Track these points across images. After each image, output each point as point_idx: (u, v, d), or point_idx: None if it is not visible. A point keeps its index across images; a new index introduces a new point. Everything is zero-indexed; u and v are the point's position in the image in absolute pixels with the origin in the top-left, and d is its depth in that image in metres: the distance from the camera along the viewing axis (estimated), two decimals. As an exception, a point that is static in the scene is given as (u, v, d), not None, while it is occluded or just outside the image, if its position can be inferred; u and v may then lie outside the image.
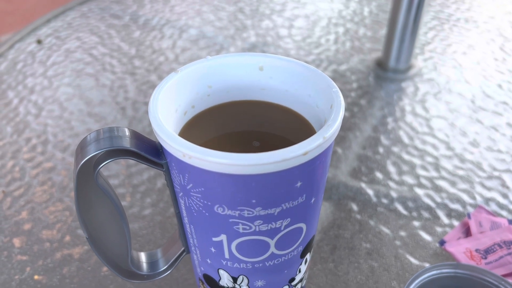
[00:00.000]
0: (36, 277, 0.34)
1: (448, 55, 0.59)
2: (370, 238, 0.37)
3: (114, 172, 0.43)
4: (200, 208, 0.21)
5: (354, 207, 0.39)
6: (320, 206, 0.24)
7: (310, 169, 0.19)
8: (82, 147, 0.20)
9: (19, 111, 0.51)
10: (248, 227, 0.21)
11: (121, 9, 0.71)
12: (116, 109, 0.51)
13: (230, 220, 0.20)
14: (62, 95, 0.53)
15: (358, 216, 0.38)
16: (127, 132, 0.20)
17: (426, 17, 0.67)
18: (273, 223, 0.21)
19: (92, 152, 0.19)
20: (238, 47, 0.61)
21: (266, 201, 0.19)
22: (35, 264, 0.35)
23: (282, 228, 0.21)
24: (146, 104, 0.51)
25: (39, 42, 0.63)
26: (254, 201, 0.19)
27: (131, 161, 0.44)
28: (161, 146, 0.21)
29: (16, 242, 0.37)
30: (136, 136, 0.21)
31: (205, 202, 0.20)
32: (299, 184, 0.20)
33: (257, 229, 0.21)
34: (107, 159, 0.20)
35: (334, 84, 0.22)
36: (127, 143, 0.20)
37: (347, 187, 0.41)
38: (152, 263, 0.26)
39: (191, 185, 0.20)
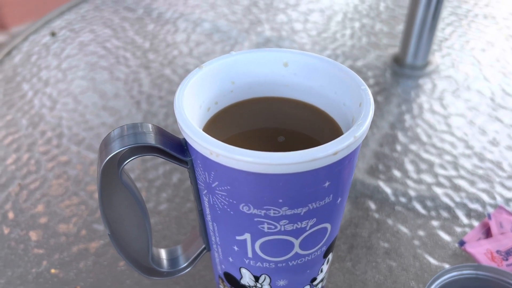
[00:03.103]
0: (52, 270, 0.34)
1: (466, 52, 0.58)
2: (388, 237, 0.36)
3: (129, 166, 0.43)
4: (225, 207, 0.20)
5: (372, 205, 0.39)
6: (345, 206, 0.23)
7: (338, 169, 0.19)
8: (106, 144, 0.20)
9: (34, 104, 0.51)
10: (273, 227, 0.20)
11: (134, 2, 0.70)
12: (130, 103, 0.51)
13: (255, 219, 0.20)
14: (76, 88, 0.53)
15: (376, 215, 0.38)
16: (151, 129, 0.20)
17: (444, 13, 0.66)
18: (299, 223, 0.20)
19: (116, 149, 0.19)
20: (252, 41, 0.60)
21: (293, 201, 0.19)
22: (51, 257, 0.35)
23: (307, 228, 0.21)
24: (161, 98, 0.51)
25: (53, 34, 0.63)
26: (281, 200, 0.19)
27: (147, 156, 0.44)
28: (186, 142, 0.20)
29: (33, 235, 0.37)
30: (161, 133, 0.20)
31: (231, 200, 0.20)
32: (327, 184, 0.19)
33: (282, 229, 0.20)
34: (132, 156, 0.20)
35: (363, 81, 0.21)
36: (151, 140, 0.20)
37: (364, 185, 0.41)
38: (172, 260, 0.25)
39: (216, 183, 0.20)
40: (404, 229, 0.37)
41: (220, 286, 0.27)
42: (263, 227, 0.20)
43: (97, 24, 0.65)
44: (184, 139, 0.20)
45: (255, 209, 0.19)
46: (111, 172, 0.20)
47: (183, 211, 0.39)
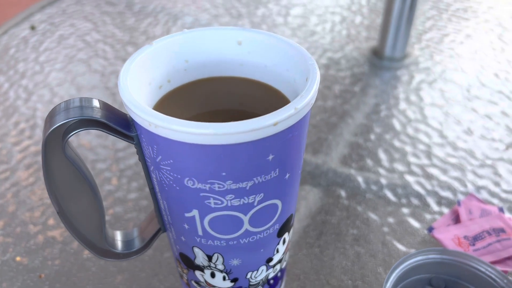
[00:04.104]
0: (18, 258, 0.34)
1: (445, 45, 0.58)
2: (357, 224, 0.36)
3: (102, 157, 0.43)
4: (171, 182, 0.20)
5: (343, 193, 0.39)
6: (298, 184, 0.23)
7: (282, 142, 0.19)
8: (51, 116, 0.20)
9: (9, 96, 0.50)
10: (219, 202, 0.20)
11: (116, -3, 0.70)
12: (107, 95, 0.50)
13: (201, 194, 0.20)
14: (53, 80, 0.53)
15: (346, 202, 0.38)
16: (97, 103, 0.20)
17: (424, 7, 0.67)
18: (246, 198, 0.20)
19: (61, 120, 0.19)
20: (232, 34, 0.60)
21: (237, 174, 0.19)
22: (17, 246, 0.35)
23: (255, 204, 0.20)
24: (137, 89, 0.51)
25: (32, 28, 0.63)
26: (224, 173, 0.19)
27: (120, 146, 0.43)
28: (132, 119, 0.20)
29: (0, 223, 0.37)
30: (107, 108, 0.20)
31: (175, 175, 0.19)
32: (271, 157, 0.19)
33: (229, 204, 0.20)
34: (76, 129, 0.20)
35: (311, 57, 0.21)
36: (97, 114, 0.19)
37: (336, 174, 0.40)
38: (128, 242, 0.25)
39: (160, 157, 0.19)
40: (373, 216, 0.37)
41: (179, 269, 0.27)
42: (209, 203, 0.20)
43: (77, 18, 0.65)
44: (130, 116, 0.20)
45: (199, 183, 0.19)
46: (56, 146, 0.20)
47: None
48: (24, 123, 0.47)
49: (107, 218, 0.37)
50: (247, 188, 0.20)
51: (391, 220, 0.37)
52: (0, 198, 0.39)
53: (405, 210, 0.37)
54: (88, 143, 0.44)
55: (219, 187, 0.19)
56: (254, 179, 0.19)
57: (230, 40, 0.24)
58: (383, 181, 0.40)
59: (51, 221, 0.37)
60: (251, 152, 0.18)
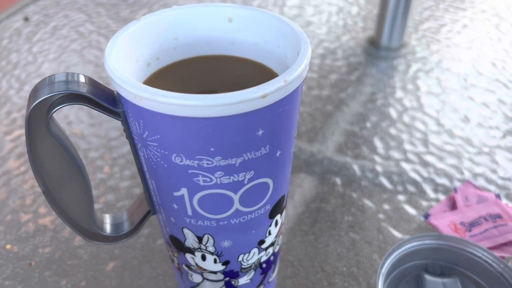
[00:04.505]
0: (8, 246, 0.33)
1: (442, 35, 0.58)
2: (352, 212, 0.36)
3: (95, 145, 0.42)
4: (158, 159, 0.20)
5: (338, 181, 0.38)
6: (290, 164, 0.22)
7: (272, 116, 0.18)
8: (35, 91, 0.19)
9: (1, 86, 0.50)
10: (208, 179, 0.19)
11: (111, -12, 0.70)
12: (100, 84, 0.50)
13: (189, 171, 0.19)
14: (46, 70, 0.52)
15: (341, 190, 0.37)
16: (83, 78, 0.19)
17: (421, -3, 0.66)
18: (235, 175, 0.19)
19: (45, 94, 0.18)
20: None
21: (226, 149, 0.18)
22: (8, 234, 0.34)
23: (245, 182, 0.20)
24: (131, 79, 0.50)
25: (26, 19, 0.62)
26: (212, 149, 0.18)
27: (113, 134, 0.43)
28: (118, 94, 0.20)
29: (-10, 212, 0.36)
30: (93, 83, 0.20)
31: (162, 151, 0.19)
32: (260, 132, 0.18)
33: (219, 182, 0.20)
34: (61, 104, 0.19)
35: (302, 31, 0.21)
36: (83, 89, 0.19)
37: (332, 162, 0.40)
38: (117, 225, 0.25)
39: (147, 132, 0.19)
40: (369, 203, 0.36)
41: (169, 253, 0.26)
42: (198, 180, 0.20)
43: (71, 10, 0.64)
44: (117, 92, 0.20)
45: (187, 159, 0.19)
46: (40, 122, 0.19)
47: (146, 188, 0.38)
48: (16, 113, 0.46)
49: (99, 206, 0.36)
50: (237, 164, 0.19)
51: (386, 207, 0.36)
52: (-9, 187, 0.38)
53: (401, 197, 0.37)
54: (80, 132, 0.43)
55: (207, 164, 0.19)
56: (244, 155, 0.19)
57: (221, 16, 0.23)
58: (379, 168, 0.39)
59: (42, 209, 0.36)
60: (239, 126, 0.18)
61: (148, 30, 0.22)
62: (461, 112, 0.45)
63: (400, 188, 0.38)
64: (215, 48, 0.24)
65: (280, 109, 0.19)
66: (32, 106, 0.18)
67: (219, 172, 0.19)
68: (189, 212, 0.21)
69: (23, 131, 0.44)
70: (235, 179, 0.20)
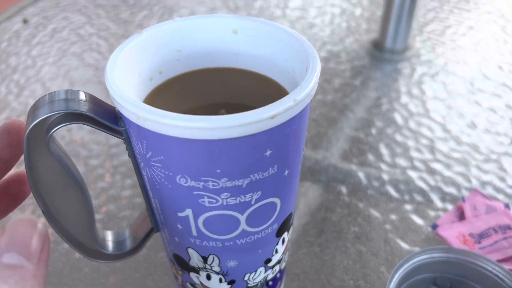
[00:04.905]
0: (7, 259, 0.33)
1: (447, 37, 0.57)
2: (359, 222, 0.35)
3: (95, 153, 0.41)
4: (162, 180, 0.19)
5: (343, 189, 0.38)
6: (297, 181, 0.22)
7: (280, 136, 0.18)
8: (34, 109, 0.18)
9: (0, 91, 0.49)
10: (214, 201, 0.19)
11: (111, -11, 0.69)
12: (100, 89, 0.49)
13: (194, 192, 0.19)
14: (45, 74, 0.51)
15: (347, 199, 0.37)
16: (84, 96, 0.19)
17: (426, -2, 0.65)
18: (242, 196, 0.19)
19: (44, 114, 0.18)
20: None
21: (233, 171, 0.18)
22: (7, 245, 0.34)
23: (252, 203, 0.19)
24: (132, 84, 0.50)
25: (25, 21, 0.61)
26: (218, 171, 0.18)
27: (113, 141, 0.42)
28: (120, 113, 0.19)
29: (-11, 223, 0.35)
30: (94, 101, 0.19)
31: (166, 172, 0.18)
32: (268, 152, 0.18)
33: (225, 203, 0.19)
34: (61, 123, 0.18)
35: (311, 45, 0.20)
36: (83, 107, 0.18)
37: (337, 170, 0.39)
38: (119, 242, 0.24)
39: (150, 153, 0.18)
40: (375, 213, 0.36)
41: (173, 270, 0.25)
42: (203, 201, 0.19)
43: (71, 11, 0.63)
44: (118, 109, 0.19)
45: (192, 181, 0.18)
46: (40, 141, 0.18)
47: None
48: (15, 118, 0.45)
49: (100, 216, 0.36)
50: (244, 186, 0.18)
51: (393, 217, 0.35)
52: (-10, 196, 0.37)
53: (408, 207, 0.36)
54: (80, 139, 0.42)
55: (213, 185, 0.18)
56: (251, 176, 0.18)
57: (225, 28, 0.22)
58: (385, 176, 0.39)
59: (42, 220, 0.35)
60: (247, 148, 0.17)
61: (150, 43, 0.21)
62: (467, 118, 0.44)
63: (407, 197, 0.37)
64: (219, 59, 0.23)
65: (289, 129, 0.18)
66: (31, 126, 0.18)
67: (225, 194, 0.19)
68: (194, 233, 0.21)
69: (22, 138, 0.43)
70: (242, 200, 0.19)
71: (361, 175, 0.39)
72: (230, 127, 0.16)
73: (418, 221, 0.35)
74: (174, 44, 0.22)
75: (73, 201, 0.21)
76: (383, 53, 0.54)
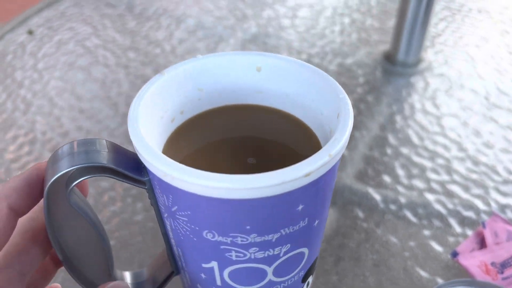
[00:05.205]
0: None
1: (460, 48, 0.56)
2: (377, 248, 0.34)
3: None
4: (188, 233, 0.18)
5: (360, 213, 0.37)
6: (324, 226, 0.21)
7: (313, 191, 0.17)
8: (53, 161, 0.17)
9: (6, 107, 0.48)
10: (242, 255, 0.18)
11: (116, -2, 0.68)
12: (108, 105, 0.48)
13: (222, 247, 0.18)
14: (52, 89, 0.50)
15: (364, 224, 0.36)
16: (104, 145, 0.18)
17: (436, 7, 0.64)
18: (271, 250, 0.18)
19: (64, 168, 0.17)
20: (238, 38, 0.58)
21: (263, 227, 0.17)
22: (18, 274, 0.33)
23: (281, 255, 0.18)
24: (141, 99, 0.49)
25: (30, 32, 0.60)
26: (248, 227, 0.17)
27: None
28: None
29: None
30: (115, 149, 0.18)
31: (193, 226, 0.17)
32: (300, 207, 0.17)
33: (253, 257, 0.18)
34: (82, 176, 0.17)
35: (341, 89, 0.19)
36: (104, 159, 0.17)
37: (352, 192, 0.38)
38: (138, 284, 0.23)
39: (176, 207, 0.17)
40: (394, 239, 0.35)
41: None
42: (230, 255, 0.18)
43: (76, 21, 0.62)
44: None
45: (220, 236, 0.17)
46: (60, 192, 0.18)
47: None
48: (23, 137, 0.44)
49: (112, 242, 0.35)
50: (273, 240, 0.18)
51: (412, 243, 0.35)
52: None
53: (426, 232, 0.35)
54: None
55: (242, 241, 0.17)
56: (281, 231, 0.17)
57: (248, 65, 0.21)
58: (402, 199, 0.38)
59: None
60: (279, 205, 0.16)
61: (172, 84, 0.20)
62: (484, 136, 0.43)
63: (425, 222, 0.36)
64: (242, 97, 0.22)
65: (322, 181, 0.17)
66: (51, 182, 0.17)
67: (254, 248, 0.18)
68: (219, 283, 0.20)
69: (30, 157, 0.42)
70: (270, 254, 0.18)
71: (377, 197, 0.38)
72: (264, 187, 0.15)
73: (437, 247, 0.34)
74: (195, 83, 0.21)
75: (93, 247, 0.20)
76: (395, 66, 0.53)
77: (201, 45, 0.57)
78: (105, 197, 0.38)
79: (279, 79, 0.21)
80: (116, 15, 0.64)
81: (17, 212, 0.18)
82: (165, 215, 0.19)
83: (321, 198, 0.18)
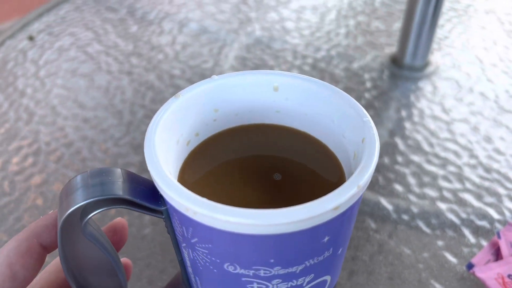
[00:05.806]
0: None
1: (468, 51, 0.55)
2: (390, 260, 0.34)
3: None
4: (207, 264, 0.17)
5: (372, 224, 0.36)
6: (345, 251, 0.20)
7: (339, 223, 0.16)
8: (67, 193, 0.17)
9: (9, 117, 0.47)
10: (264, 286, 0.17)
11: (117, 1, 0.67)
12: (112, 113, 0.47)
13: (243, 279, 0.17)
14: (55, 98, 0.50)
15: (377, 236, 0.35)
16: (119, 175, 0.17)
17: (442, 8, 0.63)
18: (294, 281, 0.17)
19: (78, 202, 0.16)
20: (242, 42, 0.57)
21: (287, 260, 0.16)
22: None
23: (304, 285, 0.18)
24: (143, 106, 0.48)
25: (31, 38, 0.60)
26: (272, 260, 0.16)
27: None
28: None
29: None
30: (131, 178, 0.17)
31: (213, 259, 0.17)
32: (326, 239, 0.16)
33: (275, 288, 0.17)
34: (97, 209, 0.17)
35: (365, 111, 0.18)
36: (120, 190, 0.17)
37: (364, 201, 0.38)
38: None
39: (196, 239, 0.17)
40: (407, 250, 0.34)
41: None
42: (252, 287, 0.17)
43: (77, 26, 0.62)
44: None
45: (242, 269, 0.17)
46: (74, 224, 0.17)
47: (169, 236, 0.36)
48: (27, 148, 0.44)
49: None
50: (297, 272, 0.17)
51: (425, 254, 0.34)
52: (3, 236, 0.36)
53: (440, 243, 0.35)
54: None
55: (265, 273, 0.17)
56: (306, 262, 0.17)
57: (266, 85, 0.21)
58: (414, 209, 0.37)
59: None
60: (305, 239, 0.16)
61: (187, 107, 0.20)
62: (495, 142, 0.43)
63: (438, 232, 0.36)
64: (258, 117, 0.22)
65: (349, 212, 0.16)
66: (64, 216, 0.16)
67: (277, 280, 0.17)
68: (239, 312, 0.19)
69: (35, 169, 0.41)
70: (293, 284, 0.18)
71: (389, 207, 0.37)
72: (289, 223, 0.15)
73: (452, 258, 0.34)
74: (211, 104, 0.21)
75: (107, 277, 0.20)
76: (402, 69, 0.52)
77: (204, 50, 0.56)
78: (112, 211, 0.38)
79: (297, 98, 0.21)
80: (118, 20, 0.63)
81: (47, 248, 0.19)
82: (183, 244, 0.18)
83: (347, 227, 0.17)
